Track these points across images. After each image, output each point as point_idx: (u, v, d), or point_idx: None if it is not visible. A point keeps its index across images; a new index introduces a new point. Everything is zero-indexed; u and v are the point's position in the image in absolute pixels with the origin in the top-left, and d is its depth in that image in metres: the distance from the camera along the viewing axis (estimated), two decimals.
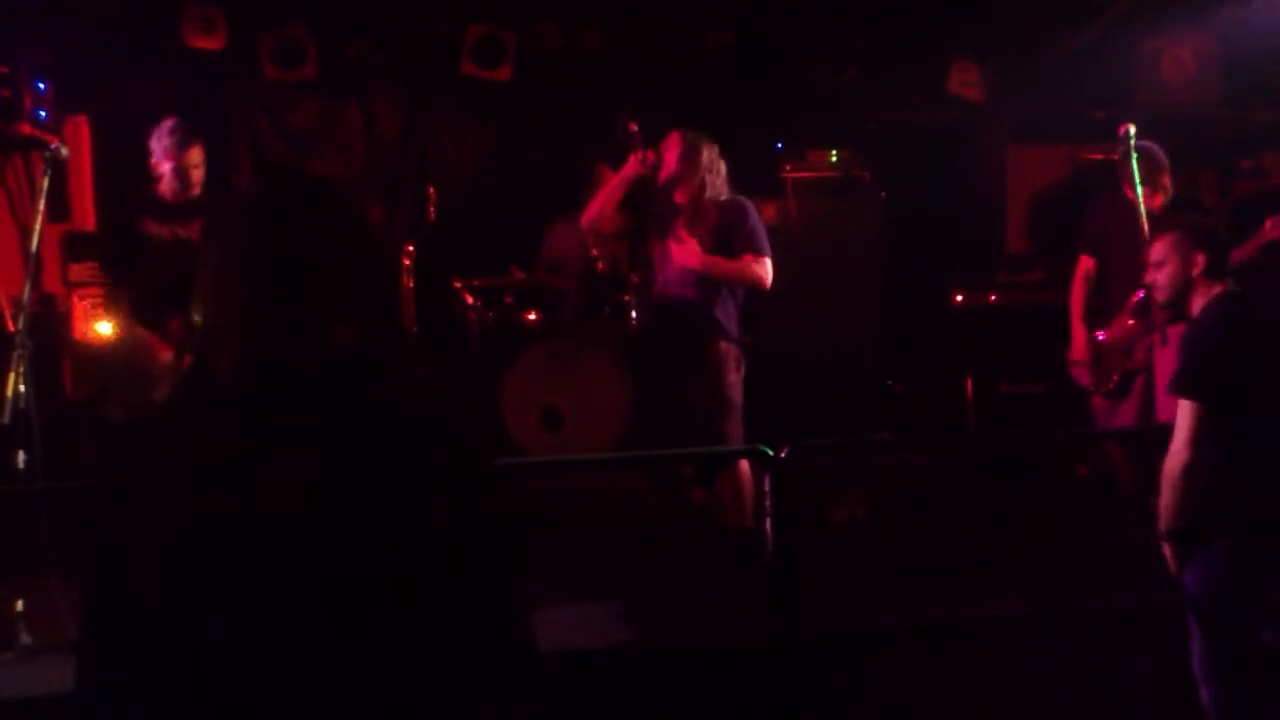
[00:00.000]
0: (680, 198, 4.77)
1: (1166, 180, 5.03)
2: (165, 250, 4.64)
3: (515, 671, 1.54)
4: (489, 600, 1.53)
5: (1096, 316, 5.25)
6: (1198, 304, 3.35)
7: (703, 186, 4.72)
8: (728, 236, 4.72)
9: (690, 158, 4.73)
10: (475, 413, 1.64)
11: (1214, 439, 3.20)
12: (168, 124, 4.72)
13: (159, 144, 4.68)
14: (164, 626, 1.44)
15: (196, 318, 1.55)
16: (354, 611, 1.45)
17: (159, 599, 1.44)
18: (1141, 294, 4.80)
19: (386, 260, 1.62)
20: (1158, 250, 3.43)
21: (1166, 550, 3.33)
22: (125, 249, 4.74)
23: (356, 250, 1.59)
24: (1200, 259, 3.33)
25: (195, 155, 4.71)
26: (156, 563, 1.46)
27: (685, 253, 4.68)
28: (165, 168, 4.66)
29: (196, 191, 4.72)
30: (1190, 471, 3.20)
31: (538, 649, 1.57)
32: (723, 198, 4.75)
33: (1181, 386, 3.26)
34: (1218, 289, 3.33)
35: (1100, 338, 5.16)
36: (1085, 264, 5.34)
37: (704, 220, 4.74)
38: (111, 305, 4.78)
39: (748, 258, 4.70)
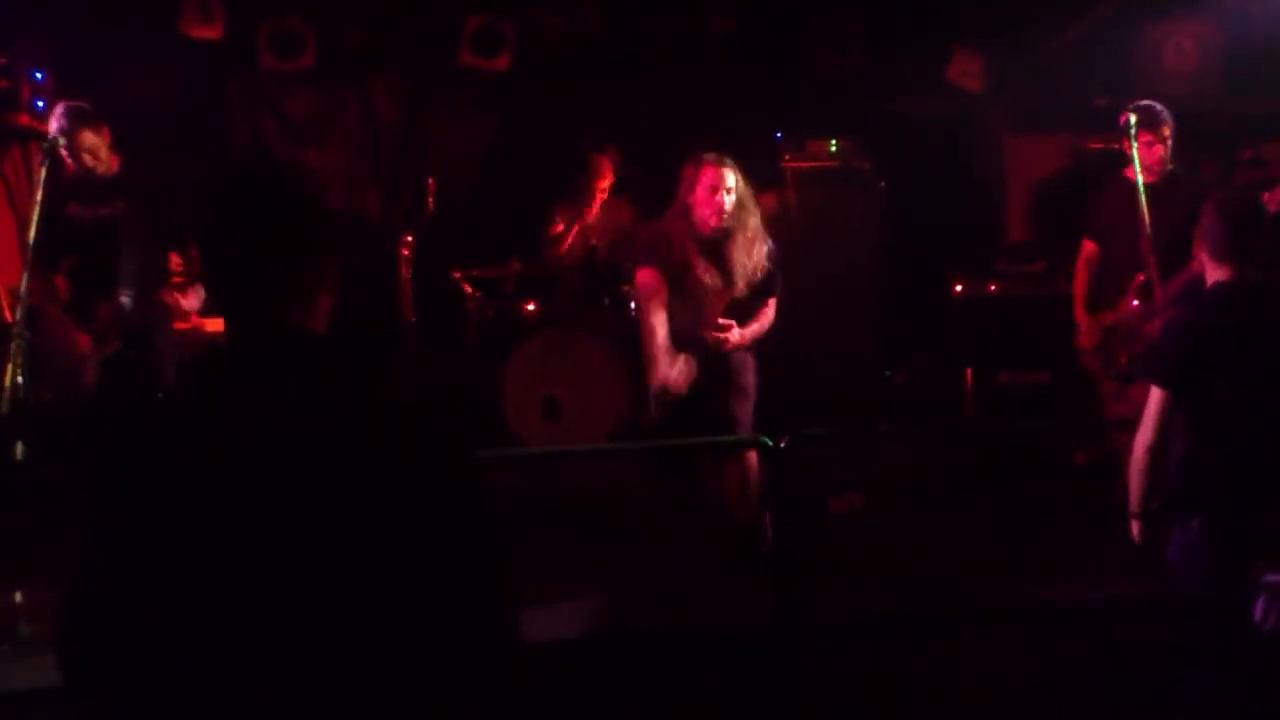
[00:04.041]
0: (705, 227, 4.62)
1: (1167, 131, 4.95)
2: (85, 231, 4.57)
3: (496, 660, 1.55)
4: (463, 586, 1.54)
5: (1098, 301, 5.24)
6: (1208, 278, 3.29)
7: (753, 235, 4.65)
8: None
9: (746, 208, 4.64)
10: (447, 398, 1.67)
11: (1184, 421, 3.19)
12: (59, 108, 4.59)
13: (54, 126, 4.55)
14: (143, 603, 1.47)
15: (124, 298, 1.63)
16: (321, 593, 1.46)
17: (138, 574, 1.50)
18: (1143, 276, 4.81)
19: (336, 246, 1.66)
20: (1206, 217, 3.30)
21: (1134, 530, 3.31)
22: (47, 234, 4.66)
23: (311, 237, 1.62)
24: (1221, 229, 3.23)
25: (87, 138, 4.56)
26: (132, 545, 1.49)
27: (733, 342, 4.70)
28: (63, 151, 4.55)
29: (101, 171, 4.60)
30: (1154, 452, 3.21)
31: (521, 637, 1.57)
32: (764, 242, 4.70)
33: (1150, 370, 3.27)
34: (1222, 273, 3.24)
35: (1111, 320, 5.15)
36: (1088, 249, 5.33)
37: (719, 250, 4.65)
38: (39, 291, 4.63)
39: (771, 301, 4.81)
